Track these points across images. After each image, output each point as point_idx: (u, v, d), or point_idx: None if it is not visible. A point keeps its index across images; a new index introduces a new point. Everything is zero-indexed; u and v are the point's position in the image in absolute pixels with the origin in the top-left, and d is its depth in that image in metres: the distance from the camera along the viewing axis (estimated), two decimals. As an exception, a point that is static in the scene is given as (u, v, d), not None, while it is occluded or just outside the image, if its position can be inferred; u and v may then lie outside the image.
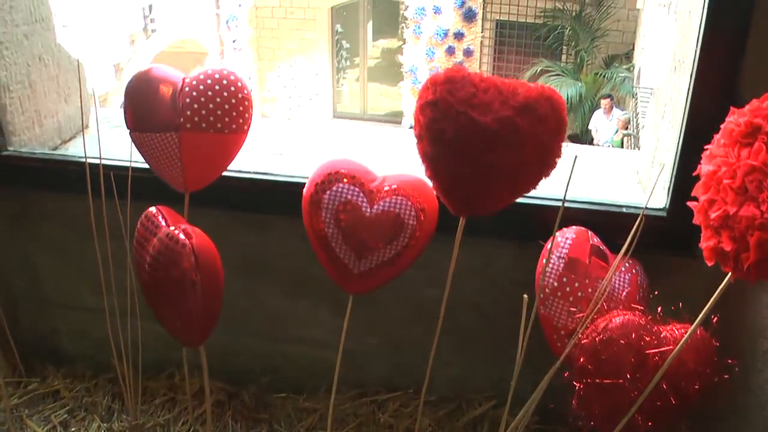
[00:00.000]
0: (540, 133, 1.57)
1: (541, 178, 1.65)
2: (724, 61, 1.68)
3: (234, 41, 13.45)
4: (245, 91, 1.78)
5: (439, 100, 1.56)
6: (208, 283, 1.59)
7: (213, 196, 1.95)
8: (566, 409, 1.66)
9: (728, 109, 1.43)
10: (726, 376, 1.62)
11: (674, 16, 1.96)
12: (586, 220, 1.89)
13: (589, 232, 1.85)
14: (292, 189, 1.97)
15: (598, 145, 13.94)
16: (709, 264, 1.46)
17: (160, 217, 1.71)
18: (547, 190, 1.76)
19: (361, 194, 1.74)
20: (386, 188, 1.76)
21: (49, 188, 2.30)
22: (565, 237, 1.82)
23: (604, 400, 1.62)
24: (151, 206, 1.77)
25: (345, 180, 1.75)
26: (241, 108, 1.77)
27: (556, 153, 1.62)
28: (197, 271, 1.57)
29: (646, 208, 1.93)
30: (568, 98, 15.15)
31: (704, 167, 1.46)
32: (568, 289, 1.77)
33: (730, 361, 1.66)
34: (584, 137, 15.58)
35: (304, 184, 1.90)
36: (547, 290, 1.78)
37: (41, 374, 2.49)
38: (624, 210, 1.94)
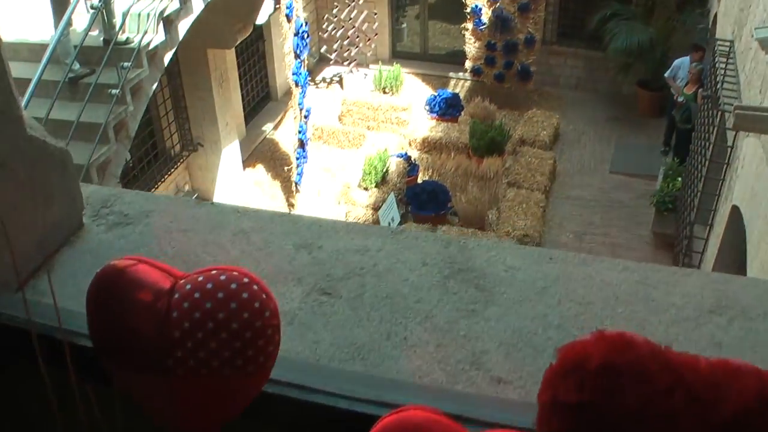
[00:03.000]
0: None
1: None
2: None
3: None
4: (265, 314, 1.14)
5: (590, 405, 0.92)
6: None
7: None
8: None
9: None
10: None
11: None
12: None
13: None
14: (343, 418, 1.36)
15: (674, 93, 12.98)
16: None
17: None
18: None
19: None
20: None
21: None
22: None
23: None
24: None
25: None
26: (260, 342, 1.14)
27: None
28: None
29: None
30: (638, 44, 14.18)
31: None
32: None
33: None
34: (653, 84, 14.63)
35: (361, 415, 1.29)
36: None
37: None
38: None
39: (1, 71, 1.69)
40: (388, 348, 1.62)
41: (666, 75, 13.18)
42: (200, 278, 1.15)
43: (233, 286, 1.13)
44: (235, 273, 1.15)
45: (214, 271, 1.15)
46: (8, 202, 1.76)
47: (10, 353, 1.59)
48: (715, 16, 12.78)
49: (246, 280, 1.14)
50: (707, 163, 9.10)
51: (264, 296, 1.15)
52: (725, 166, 8.35)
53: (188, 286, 1.15)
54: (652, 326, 1.64)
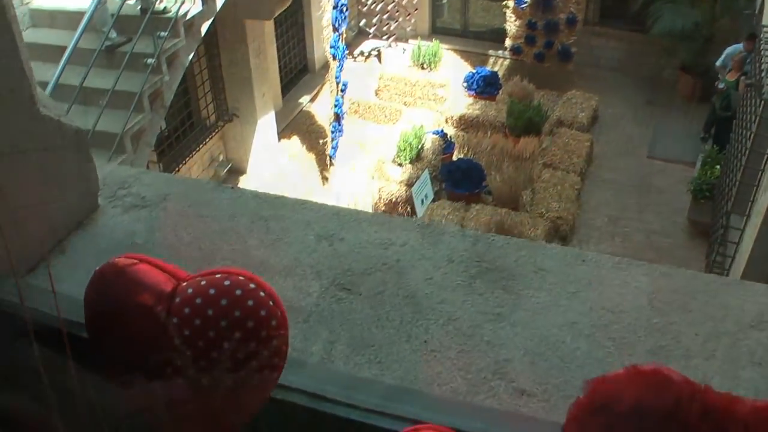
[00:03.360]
0: None
1: None
2: None
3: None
4: (272, 324, 1.07)
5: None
6: None
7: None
8: None
9: None
10: None
11: None
12: None
13: None
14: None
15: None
16: None
17: None
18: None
19: None
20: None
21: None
22: None
23: None
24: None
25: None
26: (265, 353, 1.07)
27: None
28: None
29: None
30: (682, 28, 13.82)
31: None
32: None
33: None
34: (695, 69, 14.30)
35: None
36: None
37: None
38: None
39: (13, 48, 1.62)
40: (407, 352, 1.54)
41: (717, 64, 12.71)
42: (203, 282, 1.07)
43: (238, 292, 1.06)
44: (240, 278, 1.07)
45: (218, 275, 1.07)
46: (19, 184, 1.70)
47: (9, 341, 1.54)
48: (763, 1, 12.40)
49: (252, 285, 1.06)
50: (747, 152, 8.87)
51: (271, 303, 1.07)
52: (766, 156, 8.14)
53: (190, 290, 1.07)
54: (687, 339, 1.55)
